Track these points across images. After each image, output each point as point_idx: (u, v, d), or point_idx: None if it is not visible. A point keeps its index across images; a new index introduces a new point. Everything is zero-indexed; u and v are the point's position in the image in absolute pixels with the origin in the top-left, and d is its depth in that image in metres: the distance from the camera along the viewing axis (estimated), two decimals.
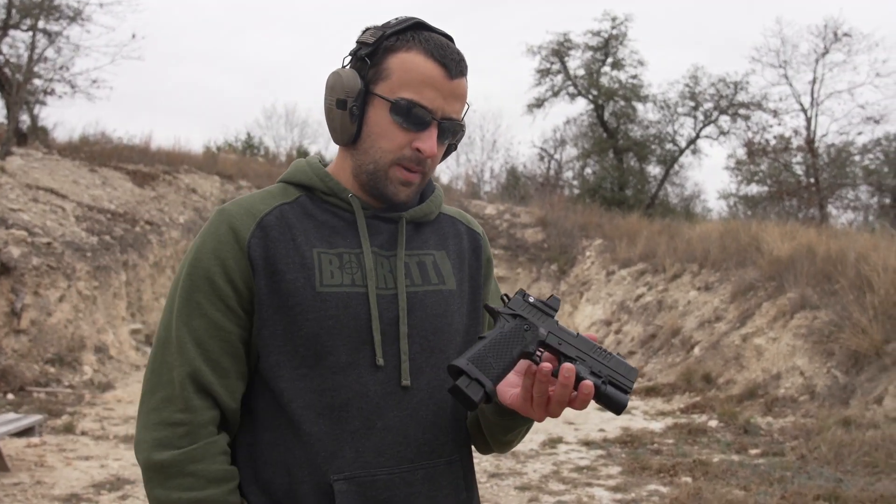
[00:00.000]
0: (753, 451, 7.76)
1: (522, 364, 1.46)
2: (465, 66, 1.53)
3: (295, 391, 1.47)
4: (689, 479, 6.71)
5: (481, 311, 1.67)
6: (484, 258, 1.72)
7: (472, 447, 1.68)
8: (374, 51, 1.51)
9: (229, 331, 1.48)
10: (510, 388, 1.45)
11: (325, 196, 1.57)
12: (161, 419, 1.45)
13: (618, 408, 1.37)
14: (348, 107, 1.51)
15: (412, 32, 1.51)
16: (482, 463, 7.38)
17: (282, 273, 1.47)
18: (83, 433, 7.93)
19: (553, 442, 8.41)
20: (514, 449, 8.05)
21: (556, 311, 1.43)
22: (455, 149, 1.63)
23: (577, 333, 1.41)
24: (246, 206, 1.52)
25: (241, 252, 1.48)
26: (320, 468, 1.45)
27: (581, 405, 1.36)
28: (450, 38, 1.55)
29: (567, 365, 1.34)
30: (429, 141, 1.49)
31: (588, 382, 1.33)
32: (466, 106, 1.57)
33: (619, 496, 6.38)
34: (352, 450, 1.46)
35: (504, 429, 1.55)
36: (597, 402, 1.37)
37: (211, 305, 1.48)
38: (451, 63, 1.49)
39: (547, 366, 1.33)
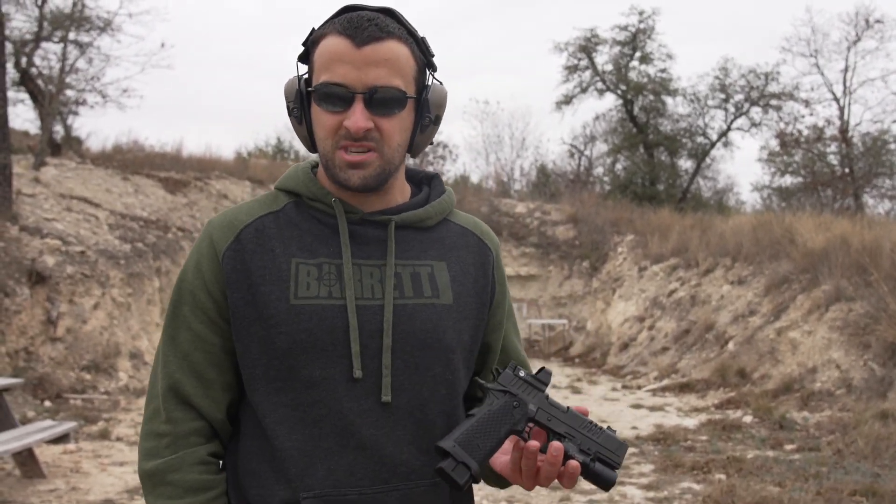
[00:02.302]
0: (789, 447, 7.66)
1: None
2: (383, 31, 1.42)
3: (269, 405, 1.45)
4: (722, 476, 6.64)
5: (483, 331, 1.59)
6: (495, 276, 1.62)
7: None
8: (306, 50, 1.50)
9: (213, 342, 1.48)
10: (502, 454, 1.43)
11: (311, 202, 1.52)
12: (150, 430, 1.49)
13: (606, 484, 1.37)
14: (293, 112, 1.50)
15: (333, 18, 1.47)
16: None
17: (256, 286, 1.45)
18: (118, 439, 8.02)
19: None
20: None
21: (546, 385, 1.41)
22: (432, 121, 1.51)
23: (568, 409, 1.40)
24: (229, 219, 1.51)
25: (217, 264, 1.47)
26: (290, 484, 1.42)
27: (569, 482, 1.36)
28: (384, 11, 1.47)
29: (555, 444, 1.33)
30: (353, 116, 1.40)
31: (574, 462, 1.33)
32: (416, 71, 1.47)
33: (651, 494, 6.33)
34: (323, 467, 1.42)
35: (497, 484, 1.55)
36: (584, 478, 1.36)
37: (195, 318, 1.48)
38: (357, 31, 1.41)
39: (535, 444, 1.33)
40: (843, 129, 23.99)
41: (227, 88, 57.39)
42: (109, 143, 22.97)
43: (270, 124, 63.77)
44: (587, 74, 28.63)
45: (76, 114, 20.29)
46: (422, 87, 1.49)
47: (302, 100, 1.48)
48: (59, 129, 20.10)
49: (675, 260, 16.46)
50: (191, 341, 1.48)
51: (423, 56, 1.50)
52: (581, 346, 17.72)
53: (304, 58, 1.50)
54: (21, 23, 17.77)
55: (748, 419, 9.09)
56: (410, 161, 1.63)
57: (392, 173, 1.49)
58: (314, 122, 1.48)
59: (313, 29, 1.48)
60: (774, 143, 26.46)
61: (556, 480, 1.37)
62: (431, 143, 1.60)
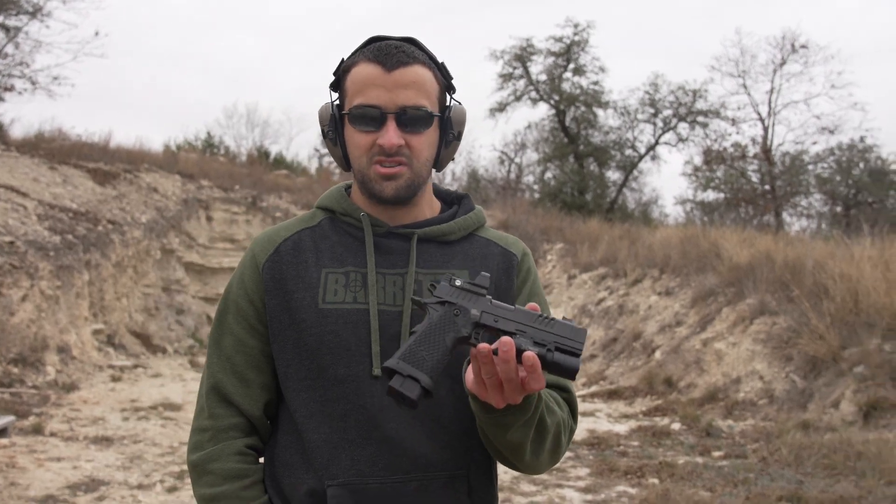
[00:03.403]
0: (716, 454, 7.96)
1: None
2: (410, 56, 1.58)
3: (300, 401, 1.59)
4: (656, 481, 6.88)
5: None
6: (519, 276, 1.70)
7: (500, 467, 1.67)
8: (337, 79, 1.65)
9: (252, 345, 1.64)
10: (469, 373, 1.41)
11: (343, 217, 1.68)
12: (196, 426, 1.65)
13: (569, 372, 1.30)
14: (328, 135, 1.65)
15: (363, 48, 1.62)
16: None
17: (291, 293, 1.61)
18: (52, 434, 7.88)
19: None
20: None
21: (486, 288, 1.38)
22: (455, 137, 1.66)
23: (515, 307, 1.35)
24: (270, 234, 1.69)
25: (258, 274, 1.65)
26: (317, 473, 1.56)
27: (534, 381, 1.29)
28: (408, 40, 1.63)
29: (504, 339, 1.28)
30: (386, 135, 1.55)
31: (530, 353, 1.27)
32: (438, 92, 1.62)
33: (589, 497, 6.53)
34: (348, 458, 1.55)
35: (495, 427, 1.45)
36: (547, 370, 1.31)
37: (237, 324, 1.65)
38: (387, 58, 1.56)
39: (484, 346, 1.29)
40: (767, 149, 24.85)
41: (158, 81, 56.28)
42: (33, 130, 22.30)
43: (199, 118, 62.83)
44: (521, 83, 29.04)
45: (2, 99, 19.71)
46: (444, 106, 1.65)
47: (336, 123, 1.63)
48: None
49: (604, 269, 16.83)
50: (233, 346, 1.64)
51: (444, 79, 1.66)
52: None
53: (335, 86, 1.66)
54: None
55: (676, 426, 9.40)
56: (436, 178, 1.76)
57: (421, 186, 1.63)
58: (349, 142, 1.62)
59: (343, 59, 1.64)
60: (699, 159, 27.26)
61: (523, 390, 1.32)
62: (453, 158, 1.73)
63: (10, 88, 18.45)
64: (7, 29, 17.52)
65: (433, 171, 1.68)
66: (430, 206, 1.71)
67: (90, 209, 15.26)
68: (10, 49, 17.82)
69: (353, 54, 1.64)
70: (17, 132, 21.92)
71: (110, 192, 16.73)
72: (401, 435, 1.56)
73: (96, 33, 25.00)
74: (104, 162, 18.93)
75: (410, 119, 1.57)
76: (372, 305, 1.58)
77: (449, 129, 1.65)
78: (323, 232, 1.67)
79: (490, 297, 1.38)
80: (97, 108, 47.82)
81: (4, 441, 7.18)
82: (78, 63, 39.08)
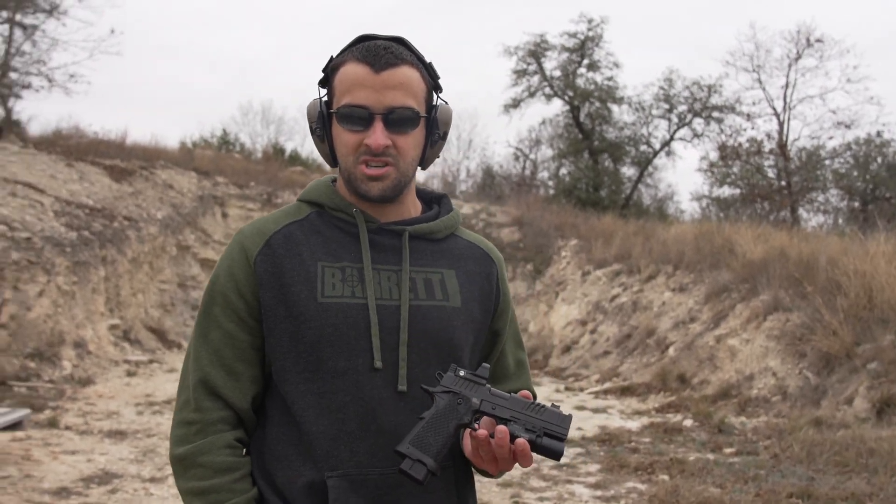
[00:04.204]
0: (728, 450, 7.95)
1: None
2: (398, 57, 1.60)
3: (298, 393, 1.60)
4: (666, 477, 6.88)
5: (486, 334, 1.77)
6: (500, 288, 1.79)
7: None
8: (326, 76, 1.67)
9: (242, 339, 1.64)
10: (469, 443, 1.57)
11: (334, 212, 1.69)
12: (181, 419, 1.64)
13: (555, 455, 1.49)
14: (315, 132, 1.68)
15: (351, 47, 1.65)
16: None
17: (288, 285, 1.61)
18: (67, 428, 7.96)
19: None
20: None
21: (486, 379, 1.55)
22: (440, 137, 1.69)
23: (510, 395, 1.54)
24: (258, 227, 1.68)
25: (250, 268, 1.63)
26: (317, 465, 1.57)
27: (524, 460, 1.49)
28: (396, 40, 1.65)
29: (500, 427, 1.47)
30: (373, 135, 1.58)
31: (521, 440, 1.46)
32: (425, 93, 1.64)
33: (598, 493, 6.54)
34: (347, 450, 1.57)
35: (483, 474, 1.66)
36: (536, 452, 1.49)
37: (225, 318, 1.64)
38: (376, 59, 1.59)
39: (482, 432, 1.49)
40: (782, 144, 24.72)
41: (174, 78, 56.55)
42: (50, 127, 22.48)
43: (215, 115, 63.11)
44: (535, 79, 28.99)
45: (20, 97, 19.88)
46: (430, 106, 1.68)
47: (324, 120, 1.66)
48: (0, 112, 19.66)
49: (618, 266, 16.80)
50: (221, 338, 1.64)
51: (431, 79, 1.68)
52: None
53: (324, 83, 1.68)
54: None
55: (688, 423, 9.39)
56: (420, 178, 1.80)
57: (407, 185, 1.67)
58: (336, 141, 1.65)
59: (332, 57, 1.66)
60: (714, 154, 27.14)
61: (515, 463, 1.52)
62: (438, 157, 1.77)
63: (28, 86, 18.60)
64: (24, 27, 17.66)
65: (419, 169, 1.72)
66: (413, 205, 1.76)
67: (106, 205, 15.37)
68: (27, 47, 17.96)
69: (341, 53, 1.66)
70: (35, 130, 22.15)
71: (126, 189, 16.84)
72: (398, 427, 1.58)
73: (112, 31, 25.18)
74: (120, 159, 19.06)
75: (397, 120, 1.60)
76: (370, 300, 1.60)
77: (435, 128, 1.68)
78: (313, 226, 1.68)
79: (489, 386, 1.54)
80: (115, 106, 48.13)
81: (20, 434, 7.27)
82: (94, 61, 39.31)
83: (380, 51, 1.60)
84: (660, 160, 29.95)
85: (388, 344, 1.60)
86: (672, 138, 28.62)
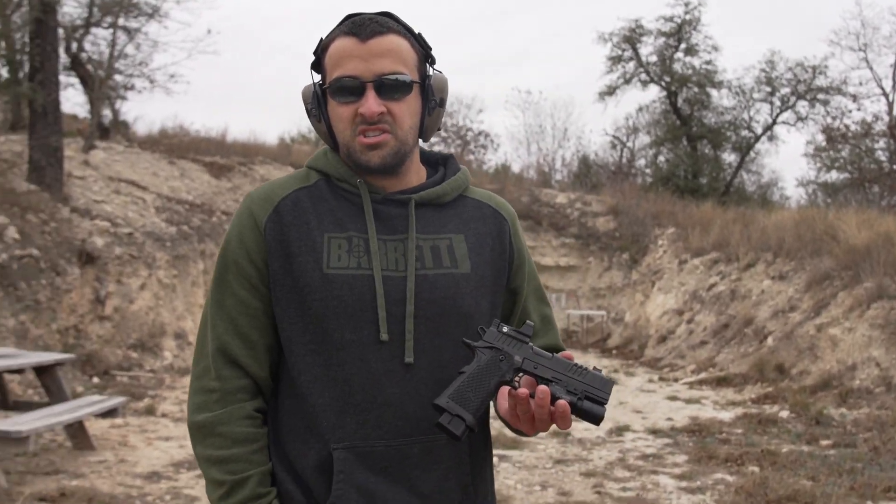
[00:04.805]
0: (824, 442, 7.66)
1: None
2: (383, 26, 1.59)
3: (304, 365, 1.59)
4: (756, 469, 6.68)
5: (503, 293, 1.73)
6: (513, 245, 1.75)
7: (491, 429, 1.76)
8: (317, 58, 1.66)
9: (255, 307, 1.63)
10: (505, 400, 1.53)
11: (339, 182, 1.67)
12: (200, 386, 1.64)
13: (595, 419, 1.46)
14: (312, 113, 1.67)
15: (338, 26, 1.64)
16: (548, 449, 7.46)
17: (294, 255, 1.59)
18: (163, 415, 8.26)
19: (620, 430, 8.43)
20: (580, 436, 7.97)
21: (529, 337, 1.53)
22: (437, 104, 1.67)
23: (553, 355, 1.51)
24: (266, 192, 1.66)
25: (260, 234, 1.62)
26: (323, 437, 1.57)
27: (563, 422, 1.46)
28: (384, 14, 1.64)
29: (541, 387, 1.45)
30: (366, 102, 1.56)
31: (562, 402, 1.44)
32: (417, 61, 1.63)
33: (684, 484, 6.39)
34: (353, 421, 1.56)
35: (515, 431, 1.63)
36: (576, 416, 1.47)
37: (239, 285, 1.63)
38: (361, 28, 1.58)
39: (524, 391, 1.45)
40: (893, 125, 23.62)
41: (273, 75, 57.85)
42: (156, 127, 23.30)
43: None
44: (631, 65, 28.42)
45: (124, 98, 20.67)
46: (424, 75, 1.65)
47: (319, 100, 1.65)
48: (107, 114, 20.45)
49: (716, 254, 16.38)
50: (236, 306, 1.63)
51: (422, 49, 1.66)
52: (619, 337, 17.72)
53: (316, 66, 1.67)
54: (72, 9, 18.15)
55: (784, 414, 9.09)
56: (424, 145, 1.78)
57: (408, 154, 1.65)
58: (332, 117, 1.64)
59: (321, 39, 1.66)
60: (821, 138, 26.14)
61: (553, 424, 1.49)
62: (439, 129, 1.75)
63: (132, 87, 19.28)
64: (128, 31, 18.29)
65: (420, 140, 1.69)
66: (417, 174, 1.72)
67: (205, 201, 15.85)
68: (129, 50, 18.60)
69: (330, 33, 1.65)
70: (141, 129, 23.02)
71: (225, 185, 17.34)
72: (404, 399, 1.57)
73: (209, 31, 25.83)
74: (220, 155, 19.63)
75: (389, 86, 1.58)
76: (376, 271, 1.58)
77: (431, 96, 1.66)
78: (320, 194, 1.66)
79: (532, 344, 1.52)
80: (216, 104, 49.54)
81: (119, 421, 7.57)
82: (192, 60, 40.57)
83: (365, 21, 1.60)
84: (762, 145, 29.04)
85: (394, 316, 1.58)
86: (775, 122, 27.69)
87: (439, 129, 1.74)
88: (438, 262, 1.64)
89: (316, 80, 1.67)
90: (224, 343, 1.62)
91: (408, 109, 1.61)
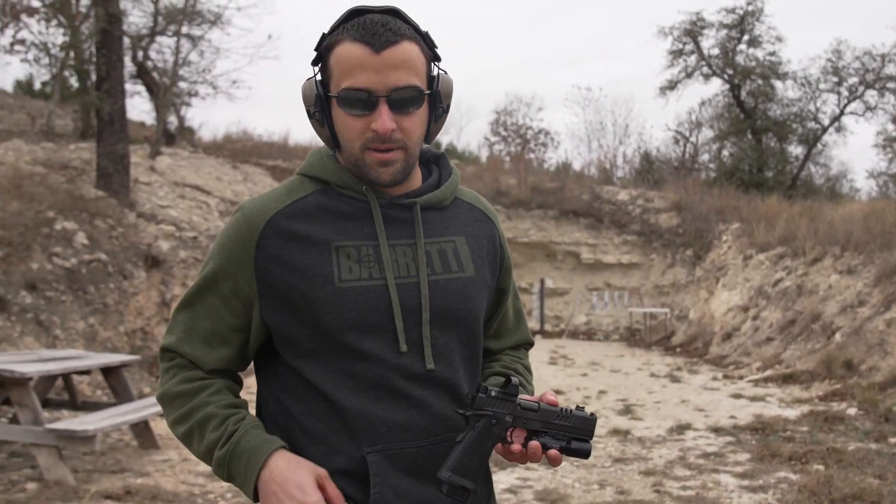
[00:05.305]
0: (893, 440, 7.46)
1: None
2: (397, 34, 1.53)
3: (327, 374, 1.58)
4: (821, 467, 6.53)
5: (493, 293, 1.77)
6: (503, 247, 1.80)
7: None
8: (319, 55, 1.60)
9: (222, 318, 1.62)
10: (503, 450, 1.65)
11: (341, 189, 1.63)
12: (166, 367, 1.67)
13: (584, 455, 1.62)
14: (314, 116, 1.62)
15: (344, 24, 1.56)
16: (607, 448, 7.40)
17: (299, 270, 1.56)
18: None
19: (681, 428, 8.33)
20: (640, 434, 7.86)
21: (515, 396, 1.60)
22: (443, 111, 1.64)
23: (539, 406, 1.61)
24: (259, 206, 1.61)
25: (250, 250, 1.58)
26: (354, 440, 1.56)
27: (554, 464, 1.61)
28: (390, 11, 1.57)
29: (532, 443, 1.58)
30: (379, 119, 1.52)
31: (553, 452, 1.59)
32: (426, 66, 1.58)
33: (745, 482, 6.28)
34: (383, 425, 1.56)
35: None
36: (566, 455, 1.61)
37: (213, 294, 1.62)
38: (374, 38, 1.51)
39: (516, 447, 1.59)
40: None
41: None
42: (220, 132, 23.83)
43: None
44: (692, 59, 28.07)
45: (189, 105, 21.12)
46: (431, 79, 1.61)
47: (322, 104, 1.59)
48: (172, 120, 20.93)
49: (782, 249, 16.05)
50: (205, 312, 1.63)
51: (430, 49, 1.61)
52: (683, 335, 17.49)
53: (317, 61, 1.61)
54: (137, 18, 18.66)
55: (852, 411, 8.87)
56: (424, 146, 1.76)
57: (414, 165, 1.63)
58: (339, 126, 1.59)
59: (324, 34, 1.59)
60: (891, 128, 25.44)
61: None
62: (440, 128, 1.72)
63: (196, 94, 19.71)
64: (192, 38, 18.69)
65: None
66: (416, 175, 1.71)
67: None
68: (193, 57, 19.02)
69: (334, 30, 1.58)
70: (205, 135, 23.51)
71: None
72: (428, 401, 1.59)
73: (269, 37, 26.22)
74: (282, 159, 19.95)
75: (402, 100, 1.54)
76: (390, 281, 1.57)
77: (438, 103, 1.63)
78: (318, 203, 1.62)
79: (519, 402, 1.61)
80: (279, 109, 50.25)
81: None
82: (254, 66, 41.17)
83: (377, 28, 1.52)
84: (829, 137, 28.44)
85: (411, 323, 1.58)
86: (842, 113, 27.06)
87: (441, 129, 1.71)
88: (447, 266, 1.65)
89: (317, 78, 1.61)
90: (179, 343, 1.64)
91: (418, 121, 1.58)
